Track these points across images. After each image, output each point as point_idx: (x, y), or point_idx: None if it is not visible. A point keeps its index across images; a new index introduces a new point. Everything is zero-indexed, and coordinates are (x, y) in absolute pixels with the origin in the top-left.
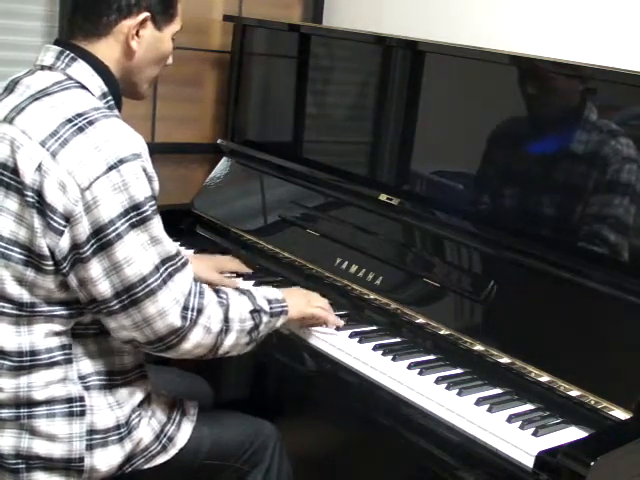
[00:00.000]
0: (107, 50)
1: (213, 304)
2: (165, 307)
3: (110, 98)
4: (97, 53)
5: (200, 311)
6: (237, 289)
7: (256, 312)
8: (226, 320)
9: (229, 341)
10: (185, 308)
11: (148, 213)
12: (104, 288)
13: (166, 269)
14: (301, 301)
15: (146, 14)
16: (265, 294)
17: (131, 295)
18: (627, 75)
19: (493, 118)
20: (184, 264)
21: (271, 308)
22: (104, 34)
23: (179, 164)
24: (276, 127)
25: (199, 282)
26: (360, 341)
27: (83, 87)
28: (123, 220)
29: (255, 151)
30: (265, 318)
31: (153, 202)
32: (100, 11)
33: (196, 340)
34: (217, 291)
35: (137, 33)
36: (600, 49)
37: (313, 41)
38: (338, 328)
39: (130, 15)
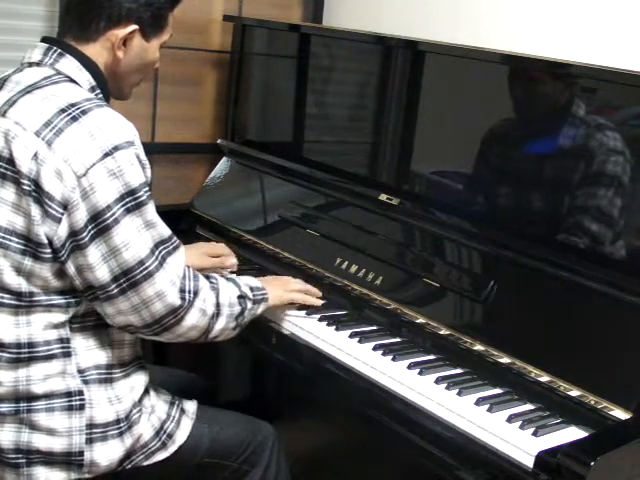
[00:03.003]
0: (93, 54)
1: (207, 288)
2: (163, 288)
3: (99, 91)
4: (85, 53)
5: (196, 293)
6: (222, 276)
7: (242, 298)
8: (217, 304)
9: (219, 325)
10: (182, 290)
11: (143, 198)
12: (102, 273)
13: (160, 252)
14: (278, 288)
15: (135, 27)
16: (247, 282)
17: (129, 278)
18: (626, 75)
19: (493, 118)
20: (176, 247)
21: (254, 295)
22: (92, 39)
23: (179, 164)
24: (276, 127)
25: (191, 267)
26: (360, 341)
27: (72, 81)
28: (119, 205)
29: (255, 151)
30: (249, 304)
31: (147, 188)
32: (91, 16)
33: (192, 322)
34: (207, 276)
35: (124, 43)
36: (600, 49)
37: (313, 41)
38: (337, 329)
39: (119, 25)
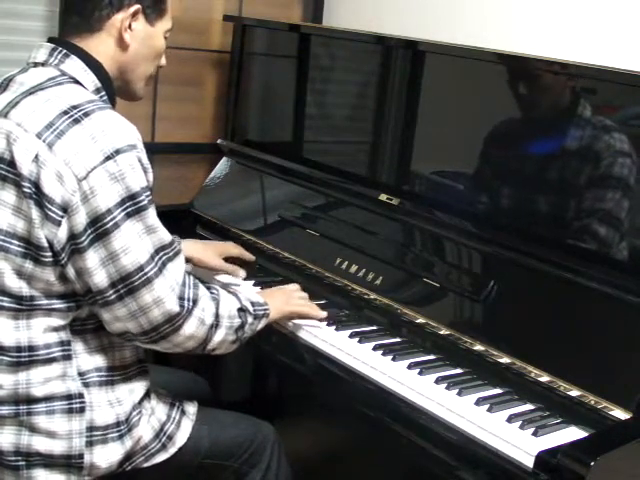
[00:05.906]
0: (101, 46)
1: (206, 297)
2: (161, 295)
3: (104, 94)
4: (90, 50)
5: (195, 302)
6: (224, 288)
7: (242, 311)
8: (217, 315)
9: (218, 337)
10: (181, 298)
11: (144, 203)
12: (100, 278)
13: (160, 258)
14: (281, 302)
15: (137, 6)
16: (248, 296)
17: (127, 284)
18: (626, 75)
19: (493, 118)
20: (176, 253)
21: (255, 310)
22: (97, 29)
23: (179, 164)
24: (276, 127)
25: (192, 275)
26: (360, 341)
27: (77, 82)
28: (120, 209)
29: (255, 151)
30: (250, 319)
31: (149, 192)
32: (92, 6)
33: (190, 331)
34: (208, 287)
35: (130, 26)
36: (600, 49)
37: (313, 41)
38: (337, 329)
39: (121, 8)
